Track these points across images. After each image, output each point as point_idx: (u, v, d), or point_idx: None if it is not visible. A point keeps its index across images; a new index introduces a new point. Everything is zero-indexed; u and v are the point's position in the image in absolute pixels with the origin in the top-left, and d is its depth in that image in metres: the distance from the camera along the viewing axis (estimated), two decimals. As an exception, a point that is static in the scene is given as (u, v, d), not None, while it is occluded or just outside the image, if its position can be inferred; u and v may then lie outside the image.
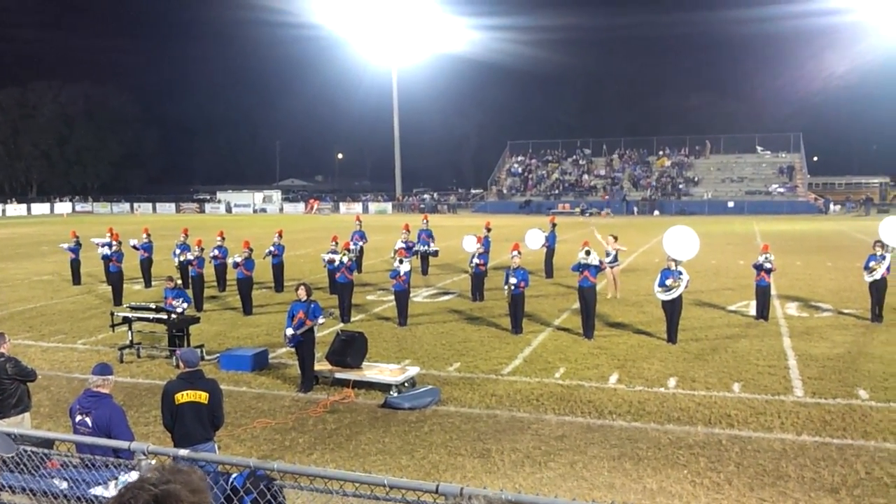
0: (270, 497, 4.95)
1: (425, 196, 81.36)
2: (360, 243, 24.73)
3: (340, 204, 77.38)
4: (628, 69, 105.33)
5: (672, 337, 14.79)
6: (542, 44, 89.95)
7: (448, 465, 8.87)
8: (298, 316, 11.99)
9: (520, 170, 75.54)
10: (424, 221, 26.13)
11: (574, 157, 76.03)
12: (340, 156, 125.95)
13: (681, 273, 14.76)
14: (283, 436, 9.98)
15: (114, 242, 21.34)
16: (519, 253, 16.47)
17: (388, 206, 74.84)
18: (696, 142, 73.06)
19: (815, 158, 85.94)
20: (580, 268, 15.45)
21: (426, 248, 24.53)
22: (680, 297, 14.83)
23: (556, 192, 70.92)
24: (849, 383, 11.83)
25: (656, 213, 62.78)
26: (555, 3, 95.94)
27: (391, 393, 11.35)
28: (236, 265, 18.76)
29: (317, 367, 12.31)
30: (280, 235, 22.20)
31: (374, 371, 12.25)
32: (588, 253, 15.43)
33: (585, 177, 72.39)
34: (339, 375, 12.12)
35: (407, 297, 17.16)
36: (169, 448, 5.92)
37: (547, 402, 11.19)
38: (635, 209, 64.24)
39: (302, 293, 12.21)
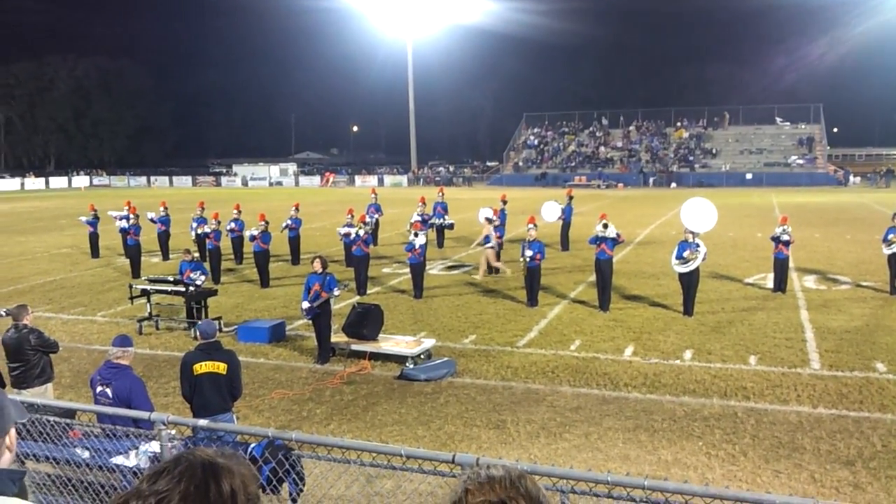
0: (289, 466, 5.02)
1: (440, 169, 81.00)
2: (376, 216, 24.73)
3: (356, 177, 77.23)
4: (646, 40, 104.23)
5: (688, 309, 14.75)
6: (559, 14, 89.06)
7: (464, 435, 8.94)
8: (314, 288, 12.05)
9: (536, 142, 74.99)
10: (440, 194, 26.10)
11: (591, 128, 75.36)
12: (356, 128, 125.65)
13: (698, 245, 14.69)
14: (301, 406, 10.08)
15: (131, 216, 21.44)
16: (535, 226, 16.46)
17: (404, 178, 74.60)
18: (715, 113, 72.16)
19: (836, 129, 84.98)
20: (597, 240, 15.42)
21: (441, 220, 24.51)
22: (697, 269, 14.77)
23: (573, 164, 70.41)
24: (866, 356, 11.77)
25: (673, 185, 62.23)
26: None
27: (407, 364, 11.41)
28: (253, 238, 18.84)
29: (333, 338, 12.40)
30: (297, 209, 22.24)
31: (391, 343, 12.32)
32: (605, 226, 15.39)
33: (602, 149, 71.81)
34: (355, 347, 12.20)
35: (422, 269, 17.19)
36: (188, 419, 6.00)
37: (562, 374, 11.22)
38: (651, 181, 63.75)
39: (317, 266, 12.27)
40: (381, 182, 72.53)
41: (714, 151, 67.61)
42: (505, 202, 23.66)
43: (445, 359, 11.74)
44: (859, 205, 40.71)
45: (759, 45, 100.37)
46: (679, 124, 72.21)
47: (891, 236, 16.27)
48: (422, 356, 11.82)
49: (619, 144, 72.12)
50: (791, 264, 18.93)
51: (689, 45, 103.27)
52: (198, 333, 8.25)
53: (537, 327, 14.07)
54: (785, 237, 16.59)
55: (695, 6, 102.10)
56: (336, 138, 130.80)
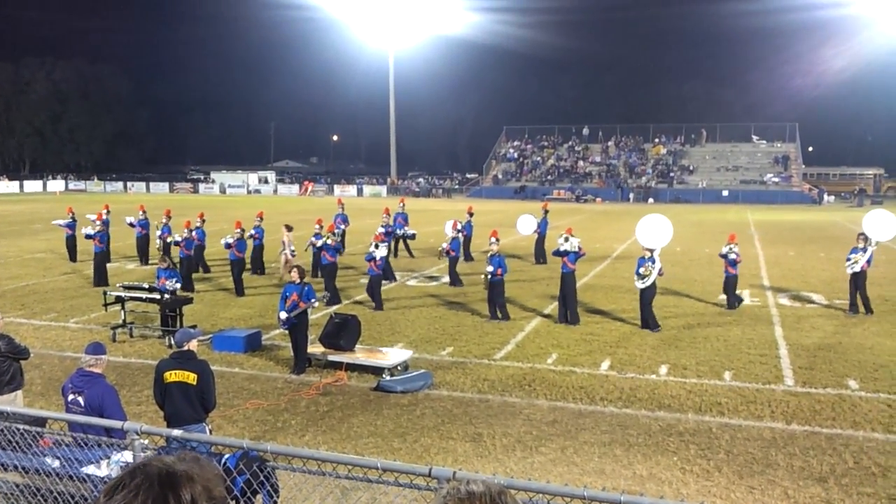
0: (263, 478, 4.96)
1: (420, 180, 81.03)
2: (343, 227, 24.92)
3: (335, 186, 77.01)
4: (626, 56, 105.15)
5: (650, 325, 14.87)
6: (541, 27, 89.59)
7: (440, 448, 8.90)
8: (292, 298, 11.98)
9: (515, 155, 75.32)
10: (401, 205, 26.18)
11: (570, 143, 75.80)
12: (335, 138, 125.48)
13: (653, 261, 14.84)
14: (276, 417, 10.00)
15: (98, 222, 20.83)
16: (497, 240, 16.48)
17: (383, 189, 74.51)
18: (692, 130, 72.86)
19: (811, 149, 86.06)
20: (559, 253, 15.60)
21: (402, 231, 24.59)
22: (653, 284, 14.94)
23: (551, 178, 70.77)
24: (839, 373, 11.90)
25: (651, 200, 62.73)
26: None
27: (384, 376, 11.37)
28: (228, 246, 18.66)
29: (310, 349, 12.32)
30: (261, 218, 21.78)
31: (367, 354, 12.26)
32: (566, 239, 15.56)
33: (581, 163, 72.24)
34: (331, 358, 12.14)
35: (380, 281, 17.12)
36: (162, 428, 5.93)
37: (539, 387, 11.23)
38: (631, 196, 64.20)
39: (295, 275, 12.20)
40: (360, 192, 72.44)
41: (691, 168, 68.25)
42: (471, 214, 23.88)
43: (422, 371, 11.70)
44: (833, 223, 41.21)
45: (736, 63, 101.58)
46: (657, 140, 72.86)
47: (853, 256, 16.54)
48: (398, 368, 11.77)
49: (598, 159, 72.62)
50: (766, 283, 19.12)
51: (667, 61, 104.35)
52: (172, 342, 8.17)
53: (514, 340, 14.08)
54: (732, 255, 16.77)
55: (674, 24, 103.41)
56: (316, 147, 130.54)
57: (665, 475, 8.17)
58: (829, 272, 22.26)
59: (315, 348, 12.45)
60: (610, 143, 74.35)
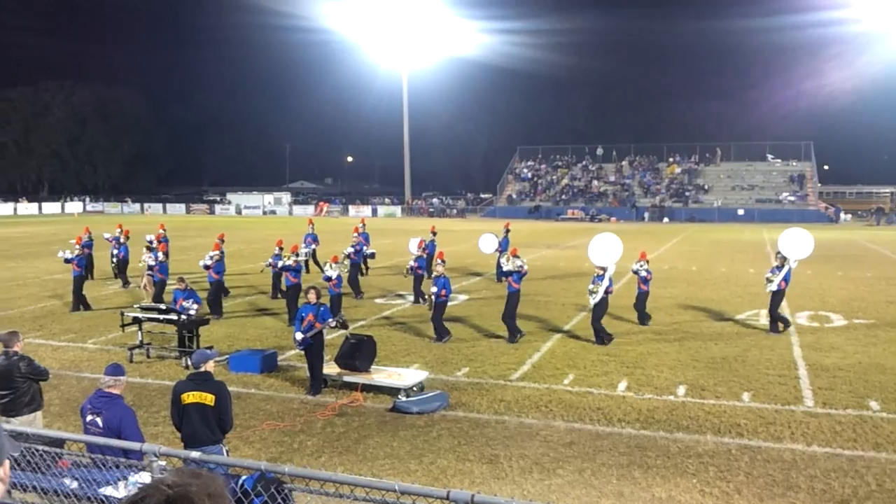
0: (281, 500, 4.95)
1: (434, 200, 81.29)
2: (313, 246, 25.31)
3: (349, 207, 77.40)
4: (640, 75, 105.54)
5: (602, 339, 15.27)
6: (554, 48, 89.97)
7: (456, 470, 8.85)
8: (308, 319, 12.00)
9: (529, 175, 75.44)
10: (362, 225, 26.40)
11: (584, 162, 75.86)
12: (350, 159, 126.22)
13: (601, 278, 15.22)
14: (292, 438, 9.99)
15: (76, 246, 20.46)
16: (443, 262, 16.56)
17: (398, 209, 74.79)
18: (707, 149, 72.79)
19: (826, 167, 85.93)
20: (503, 274, 15.94)
21: (363, 250, 24.78)
22: (603, 300, 15.28)
23: (565, 197, 70.80)
24: (860, 394, 11.76)
25: (666, 220, 62.58)
26: (567, 7, 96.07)
27: (399, 397, 11.34)
28: (206, 267, 18.62)
29: (325, 370, 12.32)
30: (222, 240, 21.27)
31: (383, 375, 12.25)
32: (508, 259, 16.04)
33: (595, 182, 72.23)
34: (347, 379, 12.13)
35: (340, 300, 17.15)
36: (180, 450, 5.93)
37: (555, 408, 11.16)
38: (646, 215, 64.07)
39: (312, 296, 12.24)
40: (374, 212, 72.72)
41: (706, 187, 68.08)
42: (434, 234, 24.25)
43: (438, 391, 11.67)
44: (851, 242, 40.90)
45: (750, 82, 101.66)
46: (671, 160, 72.78)
47: (769, 275, 16.62)
48: (414, 389, 11.75)
49: (612, 178, 72.58)
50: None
51: (681, 81, 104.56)
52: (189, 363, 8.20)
53: (530, 361, 14.03)
54: (643, 273, 16.97)
55: (687, 43, 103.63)
56: (330, 168, 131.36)
57: (684, 498, 8.08)
58: (847, 291, 22.09)
59: (331, 369, 12.45)
60: (624, 163, 74.36)
